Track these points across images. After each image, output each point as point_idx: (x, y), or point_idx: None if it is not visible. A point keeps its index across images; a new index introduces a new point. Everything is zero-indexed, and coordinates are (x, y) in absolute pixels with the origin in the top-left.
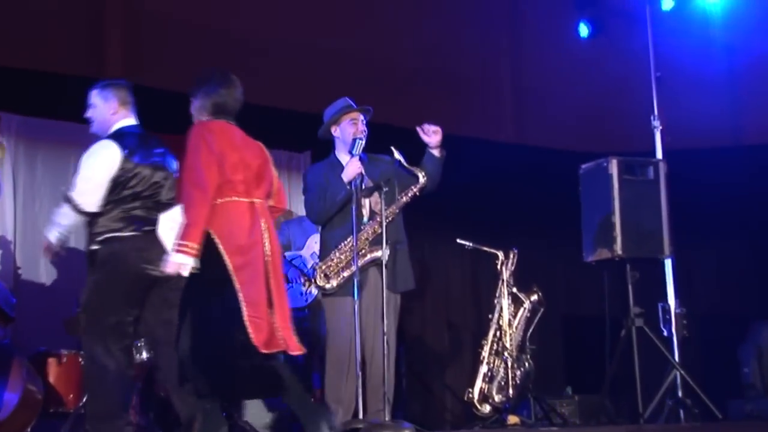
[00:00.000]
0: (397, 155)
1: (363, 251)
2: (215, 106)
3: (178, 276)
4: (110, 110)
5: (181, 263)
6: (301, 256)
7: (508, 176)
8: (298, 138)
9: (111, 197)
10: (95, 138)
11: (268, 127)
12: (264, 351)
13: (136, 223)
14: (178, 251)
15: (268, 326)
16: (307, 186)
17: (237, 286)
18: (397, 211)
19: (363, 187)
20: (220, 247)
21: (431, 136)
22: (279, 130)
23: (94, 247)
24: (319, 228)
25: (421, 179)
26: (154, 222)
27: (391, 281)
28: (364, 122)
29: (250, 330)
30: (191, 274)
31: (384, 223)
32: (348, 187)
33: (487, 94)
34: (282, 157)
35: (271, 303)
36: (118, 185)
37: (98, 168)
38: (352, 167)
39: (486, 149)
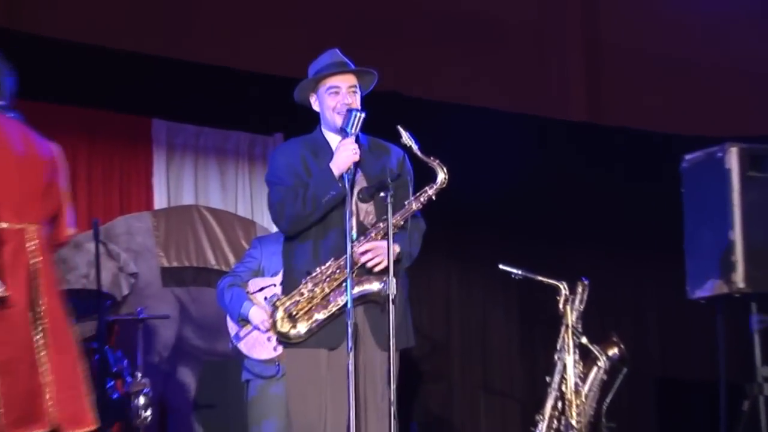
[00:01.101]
0: (406, 138)
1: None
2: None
3: None
4: None
5: None
6: (273, 285)
7: (576, 172)
8: (263, 114)
9: None
10: None
11: (220, 97)
12: None
13: None
14: None
15: (24, 399)
16: (275, 174)
17: None
18: (402, 222)
19: (355, 182)
20: None
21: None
22: (236, 103)
23: None
24: (284, 240)
25: (441, 176)
26: None
27: (377, 333)
28: (358, 91)
29: None
30: None
31: (392, 241)
32: (340, 182)
33: (550, 56)
34: (242, 141)
35: (36, 367)
36: None
37: None
38: (345, 152)
39: (546, 132)
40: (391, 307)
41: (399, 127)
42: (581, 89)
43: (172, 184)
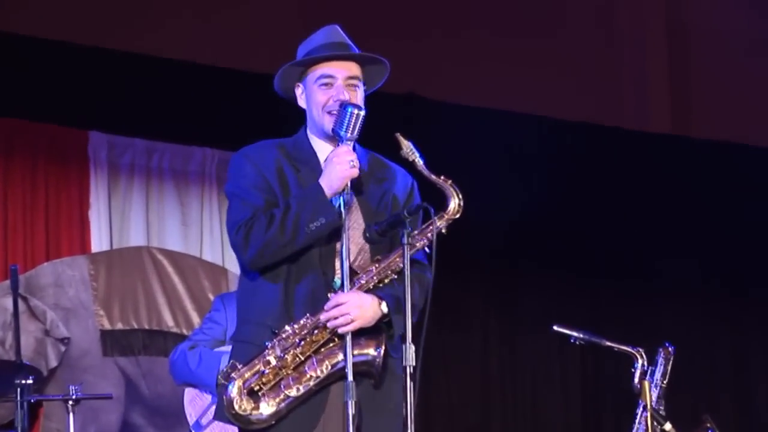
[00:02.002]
0: (407, 150)
1: (330, 346)
2: None
3: None
4: None
5: None
6: None
7: (656, 198)
8: (238, 124)
9: None
10: None
11: (180, 102)
12: None
13: None
14: None
15: None
16: (239, 183)
17: None
18: (402, 266)
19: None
20: None
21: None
22: (202, 110)
23: None
24: (240, 278)
25: (453, 203)
26: None
27: (379, 411)
28: (361, 86)
29: None
30: None
31: (408, 291)
32: (337, 207)
33: (621, 47)
34: (209, 160)
35: None
36: None
37: None
38: (339, 165)
39: (616, 147)
40: (409, 384)
41: (398, 136)
42: (663, 91)
43: (116, 219)
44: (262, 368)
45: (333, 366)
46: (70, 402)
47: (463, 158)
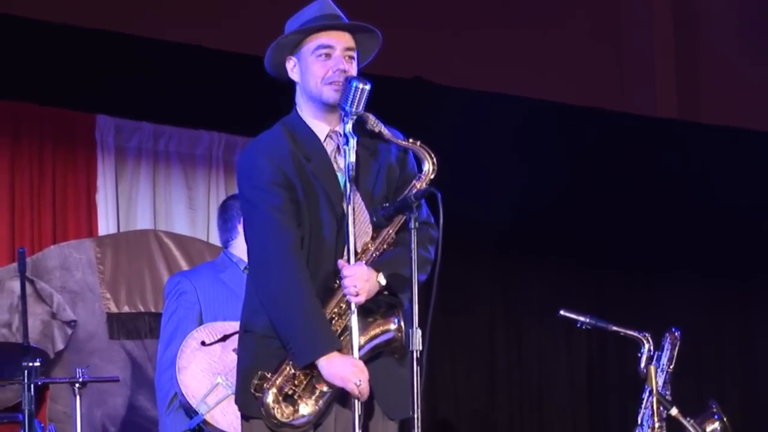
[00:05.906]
0: (371, 122)
1: (347, 335)
2: None
3: None
4: None
5: None
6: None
7: (664, 184)
8: (245, 108)
9: None
10: None
11: (187, 86)
12: None
13: None
14: None
15: None
16: (255, 181)
17: None
18: (394, 236)
19: (352, 184)
20: None
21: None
22: (210, 94)
23: None
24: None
25: (427, 166)
26: None
27: (386, 395)
28: (356, 58)
29: None
30: None
31: (415, 273)
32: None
33: (627, 28)
34: (216, 144)
35: None
36: None
37: None
38: (344, 372)
39: (620, 133)
40: (416, 369)
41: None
42: (670, 76)
43: (123, 202)
44: (293, 371)
45: (366, 349)
46: (77, 385)
47: (469, 143)
